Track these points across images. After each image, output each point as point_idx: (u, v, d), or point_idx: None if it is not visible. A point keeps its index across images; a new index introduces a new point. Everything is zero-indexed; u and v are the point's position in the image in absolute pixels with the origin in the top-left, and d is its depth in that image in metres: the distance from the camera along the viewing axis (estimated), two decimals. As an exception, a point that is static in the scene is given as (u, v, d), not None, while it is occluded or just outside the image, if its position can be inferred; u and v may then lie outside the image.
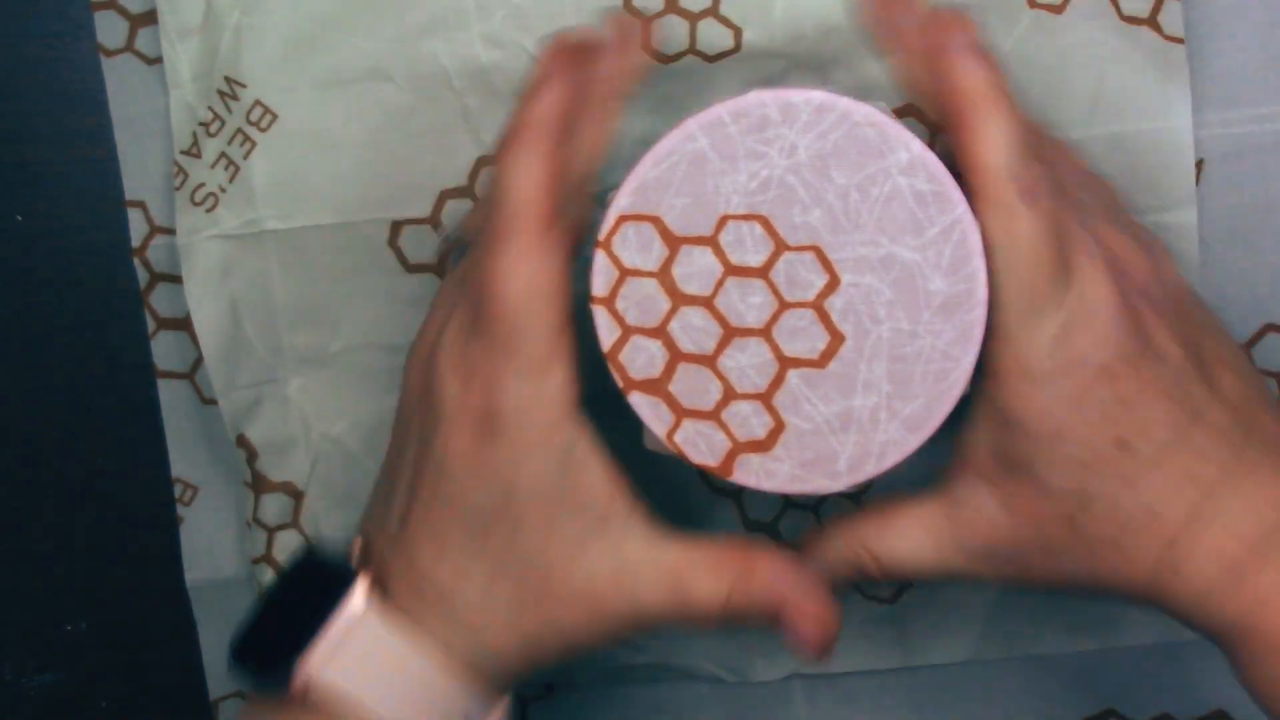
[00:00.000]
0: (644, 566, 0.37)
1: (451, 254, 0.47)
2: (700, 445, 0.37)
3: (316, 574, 0.39)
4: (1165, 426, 0.36)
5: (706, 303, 0.37)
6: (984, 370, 0.37)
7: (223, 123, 0.47)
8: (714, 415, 0.37)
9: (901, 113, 0.45)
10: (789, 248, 0.36)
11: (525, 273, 0.35)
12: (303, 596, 0.38)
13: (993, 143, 0.35)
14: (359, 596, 0.37)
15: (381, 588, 0.38)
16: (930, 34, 0.37)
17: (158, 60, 0.48)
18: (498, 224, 0.36)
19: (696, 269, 0.37)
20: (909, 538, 0.38)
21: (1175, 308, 0.38)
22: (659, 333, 0.37)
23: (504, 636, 0.37)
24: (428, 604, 0.37)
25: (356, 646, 0.37)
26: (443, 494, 0.37)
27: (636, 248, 0.37)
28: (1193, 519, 0.36)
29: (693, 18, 0.45)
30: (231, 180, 0.47)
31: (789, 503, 0.49)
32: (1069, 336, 0.35)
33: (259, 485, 0.48)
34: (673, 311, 0.37)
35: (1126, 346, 0.36)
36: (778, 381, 0.37)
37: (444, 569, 0.37)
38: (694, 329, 0.37)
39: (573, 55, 0.38)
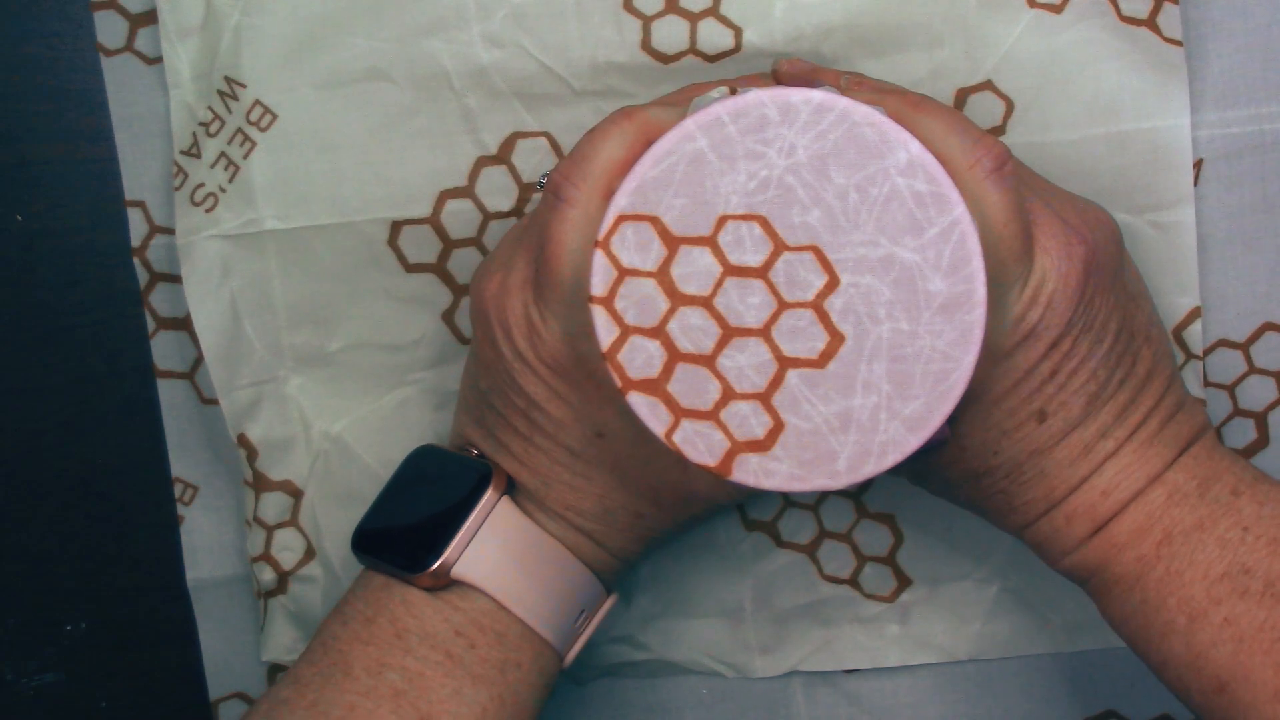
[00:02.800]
0: None
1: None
2: (699, 445, 0.37)
3: (444, 466, 0.42)
4: (1082, 403, 0.39)
5: (705, 303, 0.37)
6: None
7: (223, 123, 0.47)
8: (713, 415, 0.37)
9: (901, 113, 0.45)
10: (788, 248, 0.36)
11: (586, 235, 0.38)
12: (432, 488, 0.42)
13: (936, 134, 0.37)
14: (495, 489, 0.41)
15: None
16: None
17: (158, 60, 0.48)
18: (570, 185, 0.39)
19: (695, 269, 0.36)
20: None
21: (1115, 278, 0.40)
22: (658, 333, 0.37)
23: (621, 539, 0.43)
24: (550, 511, 0.42)
25: (495, 534, 0.41)
26: (540, 430, 0.41)
27: (635, 248, 0.37)
28: (1076, 487, 0.40)
29: (693, 18, 0.45)
30: (231, 180, 0.47)
31: (788, 502, 0.49)
32: (1027, 313, 0.38)
33: (259, 484, 0.48)
34: (671, 311, 0.37)
35: (1073, 321, 0.38)
36: (777, 381, 0.37)
37: (558, 489, 0.41)
38: (693, 329, 0.37)
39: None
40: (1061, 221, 0.39)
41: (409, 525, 0.42)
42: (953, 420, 0.38)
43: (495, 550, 0.41)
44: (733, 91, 0.38)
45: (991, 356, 0.37)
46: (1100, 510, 0.40)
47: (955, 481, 0.42)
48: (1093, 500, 0.40)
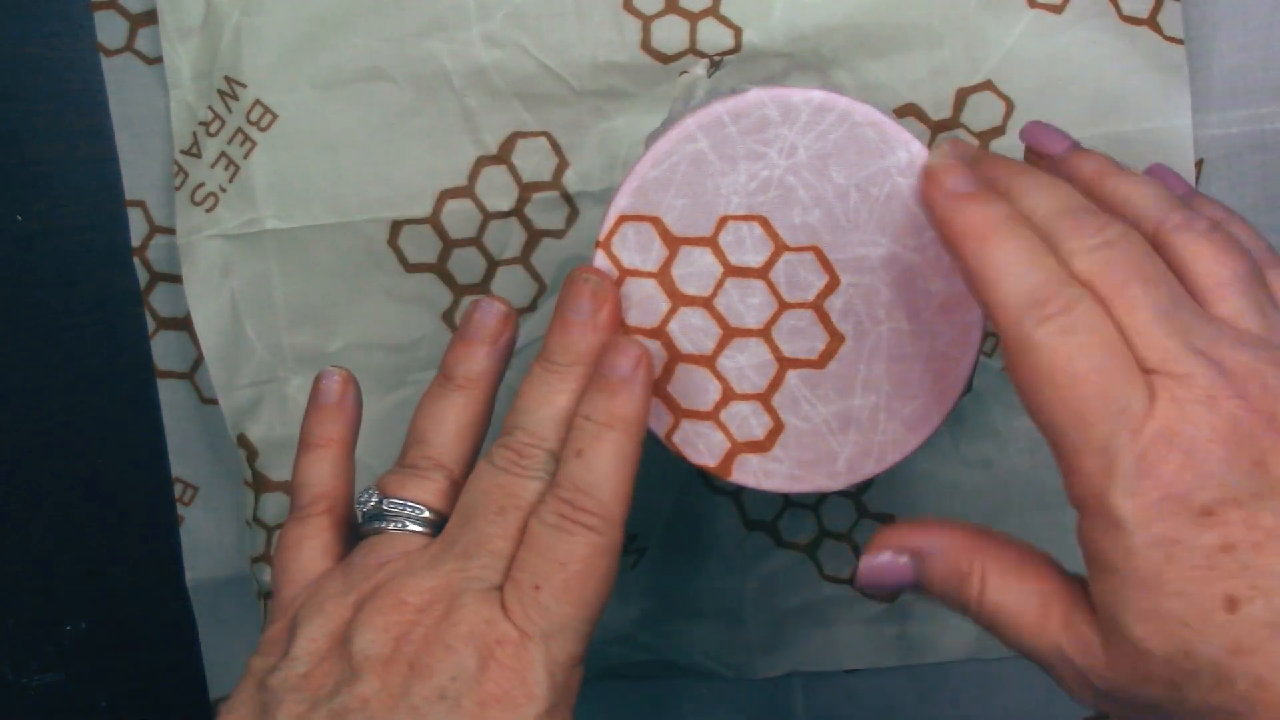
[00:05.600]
0: None
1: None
2: (699, 445, 0.37)
3: None
4: None
5: (706, 303, 0.37)
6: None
7: (223, 122, 0.47)
8: (713, 415, 0.37)
9: (901, 113, 0.45)
10: (789, 248, 0.36)
11: None
12: None
13: (991, 276, 0.31)
14: None
15: None
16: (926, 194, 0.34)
17: (158, 60, 0.48)
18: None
19: (696, 269, 0.36)
20: (1022, 598, 0.33)
21: None
22: (658, 333, 0.37)
23: None
24: None
25: None
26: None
27: (636, 248, 0.37)
28: None
29: (693, 18, 0.45)
30: (231, 180, 0.47)
31: (788, 502, 0.49)
32: (1150, 471, 0.30)
33: (259, 484, 0.48)
34: (672, 312, 0.37)
35: (1233, 483, 0.29)
36: (777, 382, 0.37)
37: None
38: (693, 329, 0.37)
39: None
40: (1222, 357, 0.31)
41: None
42: (1114, 610, 0.31)
43: None
44: (714, 65, 0.38)
45: (1105, 515, 0.30)
46: None
47: (1159, 707, 0.31)
48: None
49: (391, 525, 0.36)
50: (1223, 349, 0.31)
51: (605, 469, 0.34)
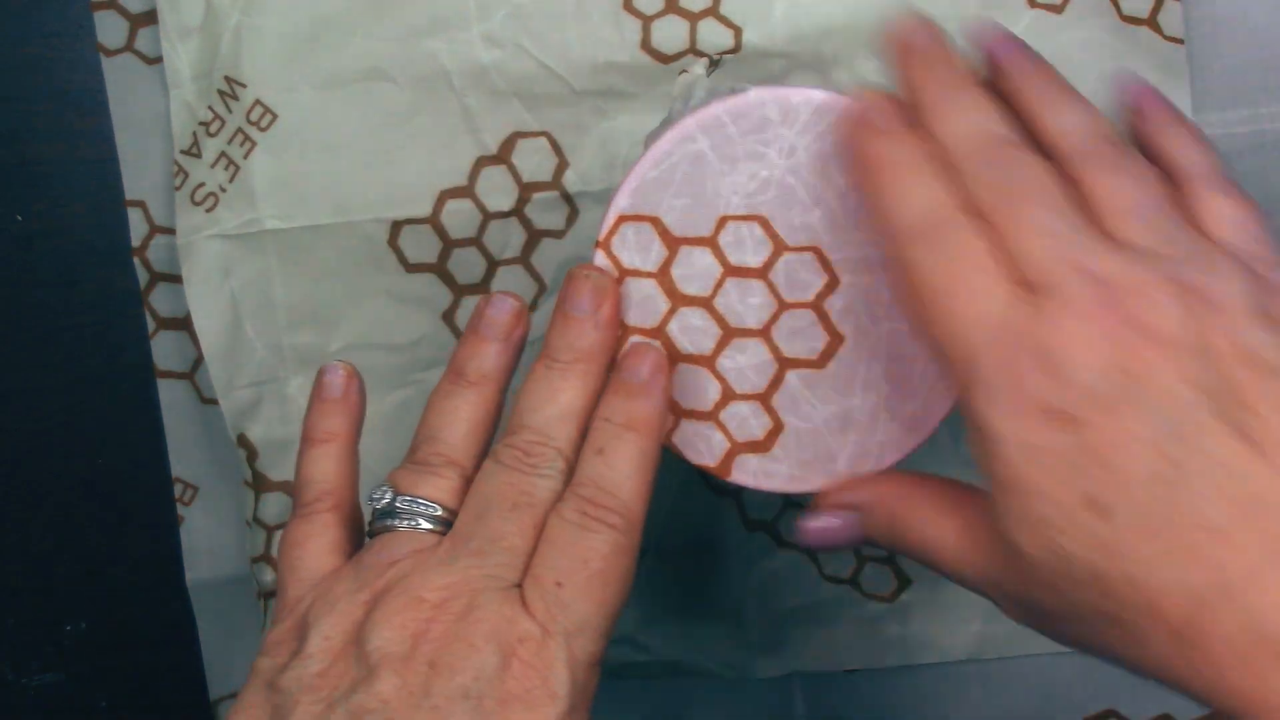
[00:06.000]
0: None
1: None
2: (699, 446, 0.37)
3: None
4: (1149, 485, 0.29)
5: (706, 303, 0.37)
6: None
7: (223, 122, 0.47)
8: (712, 416, 0.37)
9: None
10: (788, 248, 0.36)
11: None
12: None
13: (884, 205, 0.33)
14: None
15: None
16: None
17: (158, 60, 0.48)
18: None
19: (696, 270, 0.36)
20: (948, 530, 0.34)
21: (1230, 337, 0.30)
22: (658, 333, 0.37)
23: None
24: None
25: None
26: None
27: (636, 248, 0.37)
28: (1200, 603, 0.28)
29: (693, 18, 0.45)
30: (231, 180, 0.47)
31: (788, 502, 0.49)
32: (1012, 380, 0.30)
33: (259, 484, 0.48)
34: (672, 312, 0.37)
35: (1097, 389, 0.29)
36: (776, 382, 0.37)
37: None
38: (693, 330, 0.37)
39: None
40: (1106, 271, 0.30)
41: None
42: (997, 517, 0.31)
43: None
44: (713, 64, 0.38)
45: (976, 421, 0.30)
46: (1266, 635, 0.28)
47: (1061, 615, 0.31)
48: (1243, 625, 0.28)
49: (403, 523, 0.35)
50: (1107, 264, 0.30)
51: (626, 468, 0.34)
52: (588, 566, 0.33)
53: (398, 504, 0.36)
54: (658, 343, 0.37)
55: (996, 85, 0.35)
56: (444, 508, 0.35)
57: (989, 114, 0.34)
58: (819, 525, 0.37)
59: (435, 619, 0.32)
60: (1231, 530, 0.28)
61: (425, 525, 0.35)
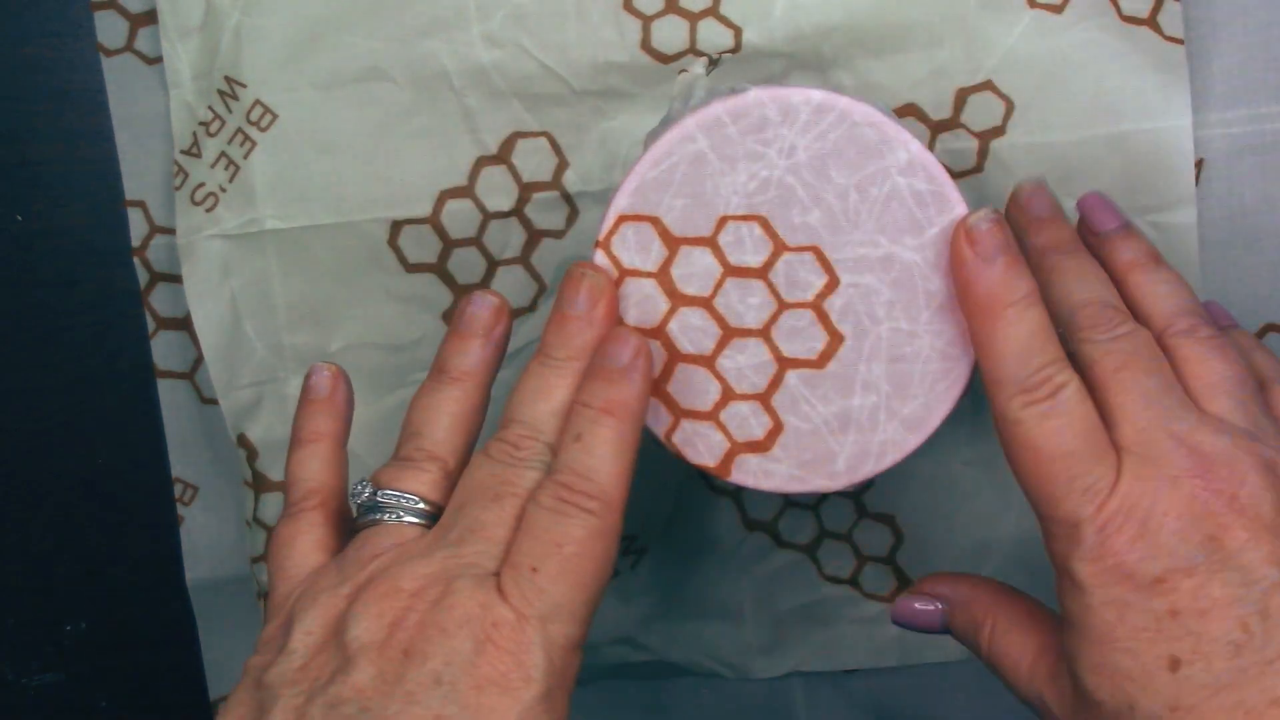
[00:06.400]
0: None
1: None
2: (698, 445, 0.37)
3: None
4: (1227, 652, 0.32)
5: (705, 303, 0.37)
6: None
7: (223, 122, 0.47)
8: (712, 416, 0.37)
9: (901, 113, 0.45)
10: (788, 248, 0.36)
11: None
12: None
13: (995, 349, 0.35)
14: None
15: None
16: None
17: (158, 60, 0.48)
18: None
19: (696, 269, 0.36)
20: (1020, 649, 0.37)
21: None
22: (658, 333, 0.37)
23: None
24: None
25: None
26: None
27: (636, 248, 0.37)
28: None
29: (693, 17, 0.45)
30: (231, 180, 0.47)
31: (788, 502, 0.49)
32: (1107, 542, 0.33)
33: (259, 484, 0.48)
34: (672, 312, 0.37)
35: (1185, 555, 0.32)
36: (776, 382, 0.37)
37: None
38: (693, 329, 0.37)
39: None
40: (1197, 443, 0.33)
41: None
42: (1072, 661, 0.34)
43: None
44: (712, 63, 0.38)
45: (1068, 575, 0.33)
46: None
47: None
48: None
49: (386, 517, 0.36)
50: (1199, 435, 0.33)
51: (603, 453, 0.34)
52: (562, 551, 0.33)
53: (380, 498, 0.36)
54: (638, 332, 0.37)
55: (1094, 248, 0.39)
56: (427, 501, 0.36)
57: (1104, 283, 0.37)
58: (911, 607, 0.40)
59: (412, 607, 0.33)
60: None
61: (409, 519, 0.36)
